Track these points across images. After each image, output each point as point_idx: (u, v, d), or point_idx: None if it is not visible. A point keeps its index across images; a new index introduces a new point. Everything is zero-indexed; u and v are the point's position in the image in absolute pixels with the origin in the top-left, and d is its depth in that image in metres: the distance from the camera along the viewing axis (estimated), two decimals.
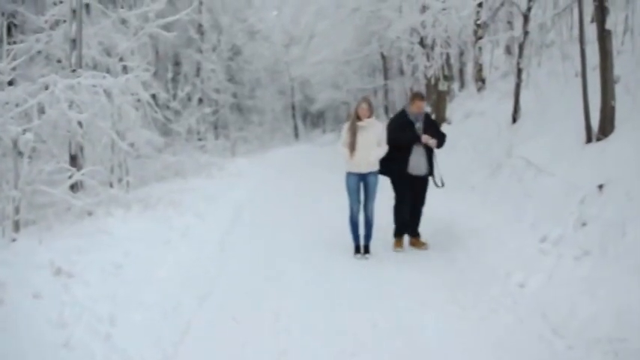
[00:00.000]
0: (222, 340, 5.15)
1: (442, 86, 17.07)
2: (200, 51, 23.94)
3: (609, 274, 5.19)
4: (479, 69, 16.56)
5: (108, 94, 8.89)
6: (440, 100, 17.43)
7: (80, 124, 8.48)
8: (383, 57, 29.01)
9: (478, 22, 14.54)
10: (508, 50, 16.46)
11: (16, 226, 7.05)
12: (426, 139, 8.01)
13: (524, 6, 10.96)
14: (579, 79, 8.02)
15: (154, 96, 12.95)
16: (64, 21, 10.01)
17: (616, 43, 8.15)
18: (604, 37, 7.40)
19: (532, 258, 6.33)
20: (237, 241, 8.96)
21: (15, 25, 11.95)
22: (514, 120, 11.20)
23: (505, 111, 11.73)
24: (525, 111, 10.95)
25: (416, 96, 8.39)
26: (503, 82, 14.63)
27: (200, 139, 21.73)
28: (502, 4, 13.71)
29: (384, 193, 8.22)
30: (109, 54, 11.39)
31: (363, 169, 7.85)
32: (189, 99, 20.33)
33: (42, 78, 8.36)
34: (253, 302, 6.11)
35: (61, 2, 10.18)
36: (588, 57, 7.87)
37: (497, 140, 10.67)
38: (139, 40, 11.47)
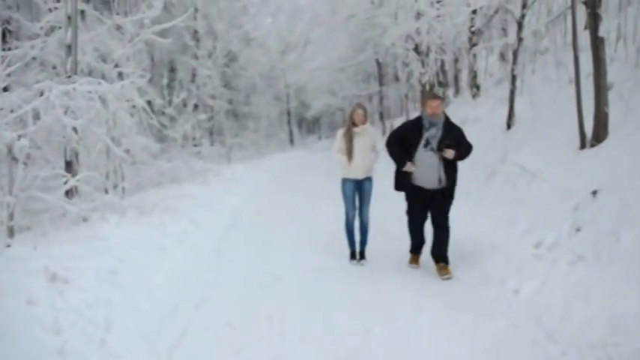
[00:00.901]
0: (218, 346, 5.15)
1: (437, 93, 17.10)
2: (195, 57, 23.94)
3: (603, 280, 5.21)
4: (473, 75, 16.60)
5: (103, 100, 8.89)
6: None
7: (75, 130, 8.48)
8: (378, 63, 29.12)
9: (473, 29, 14.62)
10: (502, 57, 16.51)
11: (11, 232, 7.05)
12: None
13: (518, 13, 11.01)
14: (573, 86, 8.07)
15: (149, 102, 12.99)
16: (60, 27, 10.02)
17: (609, 50, 8.22)
18: (597, 44, 7.45)
19: (526, 263, 6.35)
20: (232, 248, 8.96)
21: (10, 32, 11.95)
22: (508, 126, 11.23)
23: (500, 117, 11.76)
24: (520, 117, 10.98)
25: (428, 96, 7.71)
26: (498, 89, 14.67)
27: (195, 145, 21.75)
28: (496, 12, 13.79)
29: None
30: (104, 60, 11.40)
31: (360, 175, 7.86)
32: (185, 105, 20.36)
33: (37, 84, 8.37)
34: (249, 308, 6.11)
35: (56, 9, 10.19)
36: (582, 64, 7.92)
37: (491, 146, 10.70)
38: (135, 47, 11.48)
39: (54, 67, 10.57)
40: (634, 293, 4.77)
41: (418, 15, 15.64)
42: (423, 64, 17.85)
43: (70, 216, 8.00)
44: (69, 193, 8.46)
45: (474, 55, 15.68)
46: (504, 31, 15.30)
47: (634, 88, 7.79)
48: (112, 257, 6.53)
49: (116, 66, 11.21)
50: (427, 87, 17.34)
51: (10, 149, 7.13)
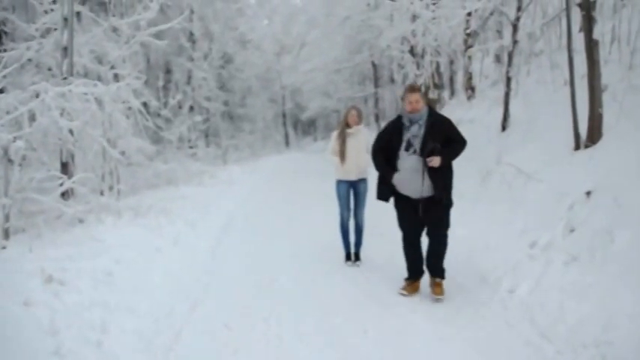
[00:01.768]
0: (214, 347, 5.15)
1: (432, 94, 17.15)
2: (191, 59, 23.95)
3: (597, 280, 5.23)
4: (469, 77, 16.62)
5: (99, 102, 8.90)
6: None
7: (71, 131, 8.48)
8: (373, 65, 29.14)
9: (468, 31, 14.65)
10: (497, 59, 16.53)
11: (6, 234, 7.05)
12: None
13: (513, 15, 11.05)
14: (568, 88, 8.09)
15: (145, 104, 13.00)
16: (55, 29, 10.02)
17: (603, 52, 8.25)
18: (591, 46, 7.48)
19: (521, 264, 6.37)
20: (228, 249, 8.97)
21: (6, 33, 11.94)
22: (503, 128, 11.26)
23: (495, 119, 11.78)
24: (515, 119, 11.01)
25: (406, 90, 6.44)
26: (493, 91, 14.69)
27: (191, 147, 21.78)
28: (491, 14, 13.81)
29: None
30: (100, 62, 11.41)
31: (353, 177, 7.88)
32: (180, 107, 20.40)
33: (33, 86, 8.37)
34: (244, 309, 6.12)
35: (52, 10, 10.19)
36: (576, 66, 7.95)
37: (487, 148, 10.72)
38: (131, 49, 11.49)
39: (50, 69, 10.56)
40: (628, 293, 4.79)
41: (413, 17, 15.66)
42: (418, 66, 17.89)
43: (65, 217, 8.01)
44: (65, 195, 8.46)
45: (469, 57, 15.70)
46: (499, 33, 15.32)
47: (628, 89, 7.82)
48: (108, 259, 6.54)
49: (112, 68, 11.23)
50: (422, 89, 17.35)
51: (5, 151, 7.14)
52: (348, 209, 8.03)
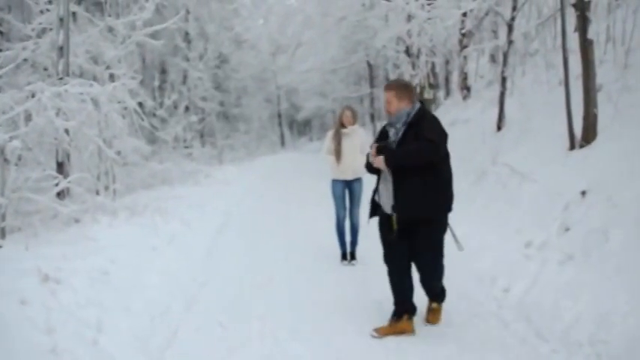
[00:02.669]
0: (209, 346, 5.17)
1: (428, 94, 17.18)
2: (187, 59, 23.91)
3: (592, 279, 5.25)
4: (464, 77, 16.68)
5: (95, 102, 8.88)
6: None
7: (67, 131, 8.47)
8: (369, 65, 29.20)
9: (463, 31, 14.69)
10: (493, 59, 16.60)
11: (2, 233, 7.04)
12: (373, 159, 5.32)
13: (508, 15, 11.08)
14: (562, 88, 8.12)
15: (140, 104, 13.00)
16: (51, 29, 10.00)
17: (598, 52, 8.28)
18: (586, 46, 7.50)
19: (516, 263, 6.40)
20: (224, 248, 8.99)
21: (1, 33, 11.94)
22: (499, 128, 11.29)
23: (490, 119, 11.81)
24: (510, 119, 11.04)
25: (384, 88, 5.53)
26: (488, 91, 14.74)
27: (187, 147, 21.78)
28: (486, 14, 13.84)
29: None
30: (96, 62, 11.39)
31: (349, 176, 7.91)
32: (176, 107, 20.40)
33: (29, 86, 8.34)
34: (240, 308, 6.13)
35: (48, 10, 10.18)
36: (571, 66, 7.97)
37: (482, 148, 10.75)
38: (126, 49, 11.49)
39: (45, 69, 10.56)
40: (622, 292, 4.81)
41: (409, 17, 15.67)
42: (413, 66, 17.91)
43: (61, 217, 7.99)
44: (60, 195, 8.45)
45: (465, 57, 15.75)
46: (495, 33, 15.38)
47: (622, 89, 7.85)
48: (104, 258, 6.53)
49: (108, 68, 11.21)
50: (418, 89, 17.37)
51: (1, 151, 7.12)
52: (344, 209, 8.05)
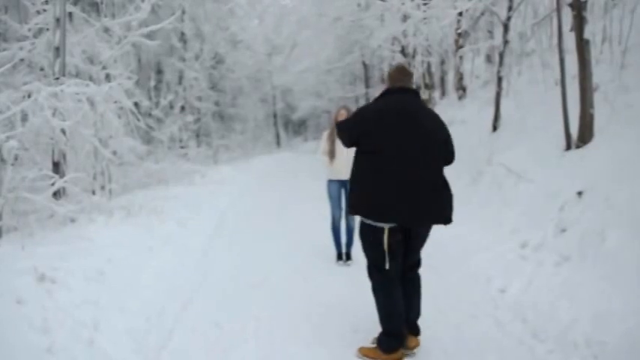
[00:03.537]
0: (205, 346, 5.16)
1: (423, 95, 17.21)
2: (182, 59, 23.89)
3: (588, 279, 5.27)
4: (460, 77, 16.70)
5: (91, 102, 8.87)
6: None
7: (63, 131, 8.46)
8: (364, 66, 29.23)
9: (459, 31, 14.73)
10: (489, 59, 16.62)
11: None
12: None
13: (504, 15, 11.10)
14: (559, 88, 8.14)
15: (136, 104, 13.00)
16: (48, 29, 9.98)
17: (594, 52, 8.29)
18: (582, 46, 7.53)
19: (513, 264, 6.40)
20: (219, 248, 8.98)
21: None
22: (495, 128, 11.31)
23: (486, 119, 11.83)
24: (506, 119, 11.06)
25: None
26: (484, 91, 14.77)
27: (182, 147, 21.76)
28: (482, 14, 13.87)
29: None
30: (92, 62, 11.37)
31: (344, 176, 7.89)
32: (172, 107, 20.40)
33: (25, 86, 8.33)
34: (236, 308, 6.13)
35: (44, 11, 10.15)
36: (567, 66, 7.99)
37: (478, 148, 10.76)
38: (122, 49, 11.46)
39: (42, 69, 10.52)
40: (619, 292, 4.83)
41: (404, 17, 15.71)
42: (409, 66, 17.92)
43: (57, 217, 7.98)
44: (57, 194, 8.43)
45: (460, 57, 15.78)
46: (490, 33, 15.42)
47: (619, 89, 7.87)
48: (100, 257, 6.52)
49: (104, 68, 11.19)
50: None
51: None
52: (340, 209, 8.06)
